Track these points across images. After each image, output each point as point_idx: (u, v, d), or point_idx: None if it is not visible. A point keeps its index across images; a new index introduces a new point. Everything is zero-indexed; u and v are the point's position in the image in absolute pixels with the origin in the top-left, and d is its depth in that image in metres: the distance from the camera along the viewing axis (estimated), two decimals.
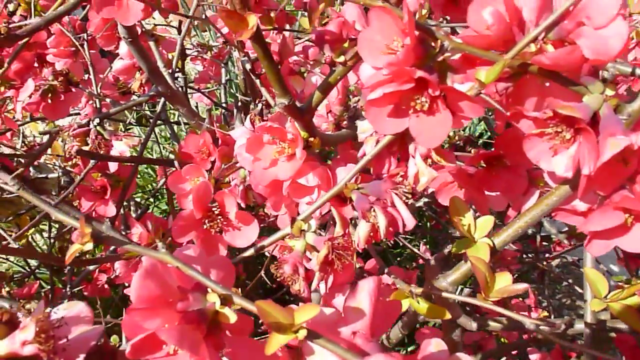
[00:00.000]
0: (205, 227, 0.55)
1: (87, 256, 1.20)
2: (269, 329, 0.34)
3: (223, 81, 1.56)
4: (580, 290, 1.92)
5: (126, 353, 0.35)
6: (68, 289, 1.04)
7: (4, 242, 0.85)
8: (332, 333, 0.36)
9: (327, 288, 0.45)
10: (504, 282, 0.45)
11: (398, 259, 1.77)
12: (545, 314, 1.27)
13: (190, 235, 0.54)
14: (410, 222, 0.45)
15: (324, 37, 0.49)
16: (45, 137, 1.17)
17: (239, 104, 1.08)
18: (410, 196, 0.45)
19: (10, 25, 0.63)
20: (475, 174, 0.61)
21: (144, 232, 0.91)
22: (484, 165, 0.63)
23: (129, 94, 1.02)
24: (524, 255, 1.31)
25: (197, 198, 0.53)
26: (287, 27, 0.85)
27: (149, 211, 1.64)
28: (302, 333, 0.34)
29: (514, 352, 1.11)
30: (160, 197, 2.02)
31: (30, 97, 0.83)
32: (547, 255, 1.37)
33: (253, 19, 0.43)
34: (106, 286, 1.39)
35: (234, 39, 0.73)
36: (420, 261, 1.16)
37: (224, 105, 1.54)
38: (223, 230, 0.56)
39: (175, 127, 1.46)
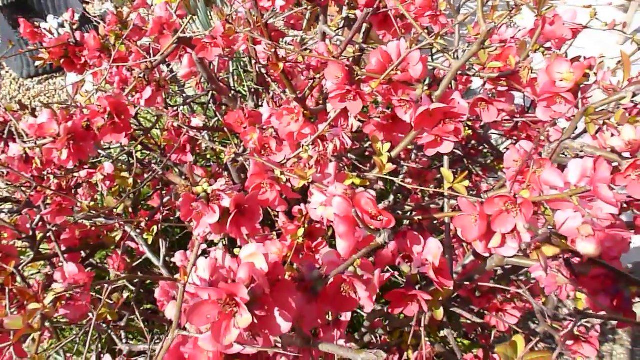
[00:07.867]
0: (262, 153, 1.19)
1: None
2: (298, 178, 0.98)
3: (231, 71, 2.18)
4: None
5: (250, 190, 0.99)
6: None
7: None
8: (321, 182, 1.01)
9: (318, 171, 1.09)
10: (387, 163, 1.10)
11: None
12: None
13: (256, 157, 1.18)
14: (350, 143, 1.10)
15: (310, 66, 1.12)
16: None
17: (252, 89, 1.70)
18: (350, 134, 1.09)
19: (150, 61, 1.25)
20: (386, 124, 1.26)
21: (203, 173, 1.55)
22: (391, 120, 1.27)
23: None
24: None
25: (259, 140, 1.17)
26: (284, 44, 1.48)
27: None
28: (310, 179, 0.98)
29: None
30: None
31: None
32: None
33: (281, 65, 1.06)
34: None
35: (258, 59, 1.35)
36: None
37: (233, 89, 2.16)
38: (269, 154, 1.19)
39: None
